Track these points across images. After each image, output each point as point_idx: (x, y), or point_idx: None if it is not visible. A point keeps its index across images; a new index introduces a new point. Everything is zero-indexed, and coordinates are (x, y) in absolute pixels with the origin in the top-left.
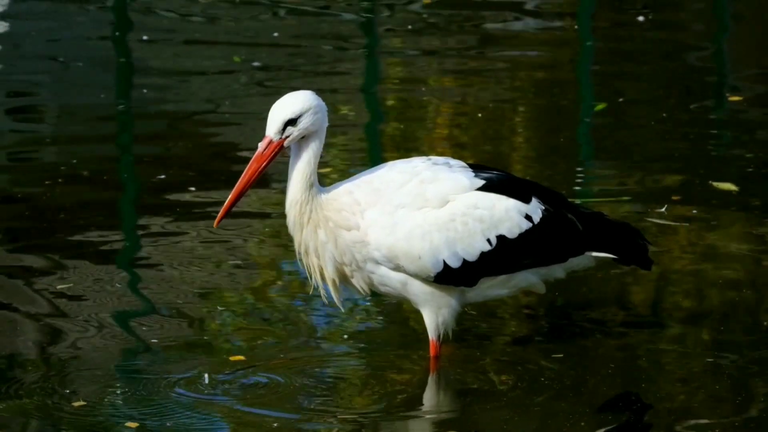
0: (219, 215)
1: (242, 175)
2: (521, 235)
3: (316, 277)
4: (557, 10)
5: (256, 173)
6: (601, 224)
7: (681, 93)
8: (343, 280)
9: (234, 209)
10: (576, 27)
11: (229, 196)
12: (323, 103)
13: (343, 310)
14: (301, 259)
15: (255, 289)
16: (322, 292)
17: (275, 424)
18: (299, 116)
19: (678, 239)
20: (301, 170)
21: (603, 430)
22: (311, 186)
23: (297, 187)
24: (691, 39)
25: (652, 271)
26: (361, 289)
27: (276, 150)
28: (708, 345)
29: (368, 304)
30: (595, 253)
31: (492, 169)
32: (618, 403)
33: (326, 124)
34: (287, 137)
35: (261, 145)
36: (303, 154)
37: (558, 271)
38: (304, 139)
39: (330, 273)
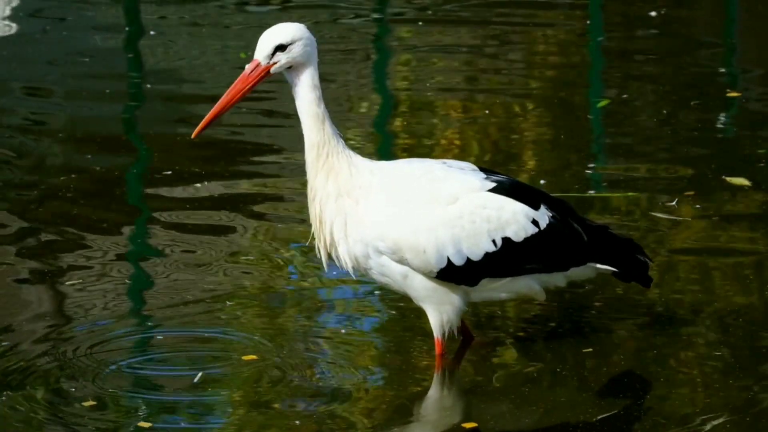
0: (198, 128)
1: (225, 93)
2: (526, 240)
3: (315, 229)
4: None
5: (240, 93)
6: (605, 237)
7: (690, 88)
8: (333, 244)
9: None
10: (588, 22)
11: (210, 112)
12: (314, 38)
13: (326, 271)
14: (309, 205)
15: (266, 286)
16: (317, 246)
17: (296, 421)
18: (290, 44)
19: (691, 234)
20: (305, 109)
21: (608, 414)
22: (323, 121)
23: (311, 128)
24: (701, 34)
25: (662, 266)
26: (344, 263)
27: (262, 74)
28: (718, 340)
29: (376, 297)
30: (596, 265)
31: (503, 174)
32: (627, 396)
33: (316, 59)
34: (275, 63)
35: (248, 68)
36: (300, 91)
37: (559, 279)
38: (296, 75)
39: (327, 229)
